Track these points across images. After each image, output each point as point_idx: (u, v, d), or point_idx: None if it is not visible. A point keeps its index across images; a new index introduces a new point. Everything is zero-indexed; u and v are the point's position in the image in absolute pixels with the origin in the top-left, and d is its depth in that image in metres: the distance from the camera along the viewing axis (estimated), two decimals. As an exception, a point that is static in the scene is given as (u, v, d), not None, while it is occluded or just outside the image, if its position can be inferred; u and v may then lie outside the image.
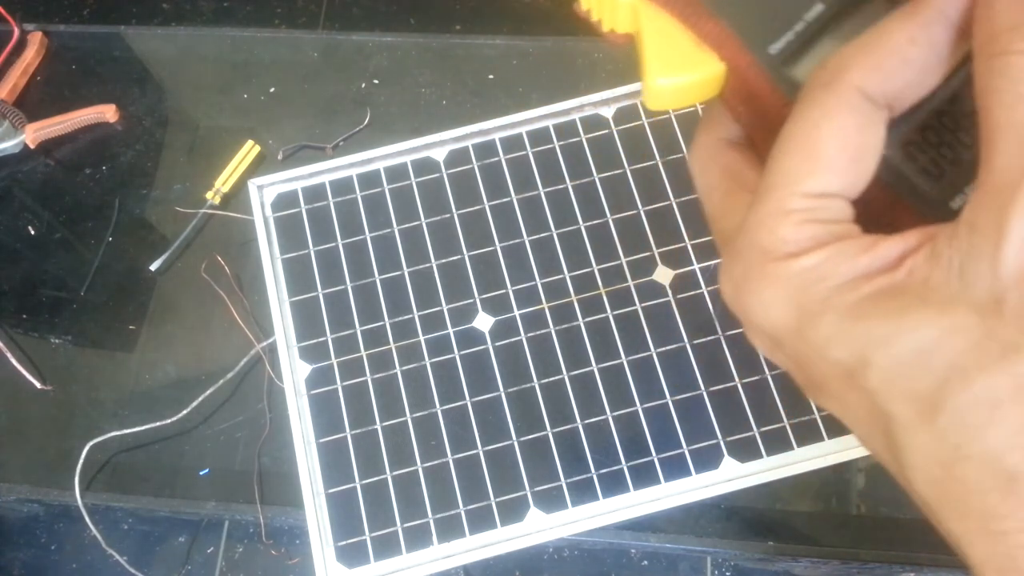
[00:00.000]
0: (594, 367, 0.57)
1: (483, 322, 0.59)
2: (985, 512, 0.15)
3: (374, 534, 0.54)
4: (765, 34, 0.20)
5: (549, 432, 0.56)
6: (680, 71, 0.20)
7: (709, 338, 0.57)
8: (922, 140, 0.18)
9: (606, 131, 0.63)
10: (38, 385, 0.62)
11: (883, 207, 0.18)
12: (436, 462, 0.56)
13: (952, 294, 0.15)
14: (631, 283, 0.59)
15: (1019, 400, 0.14)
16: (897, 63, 0.17)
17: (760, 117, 0.20)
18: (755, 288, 0.17)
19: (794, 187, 0.17)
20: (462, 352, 0.58)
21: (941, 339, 0.15)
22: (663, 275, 0.59)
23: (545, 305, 0.59)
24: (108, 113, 0.69)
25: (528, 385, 0.57)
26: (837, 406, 0.18)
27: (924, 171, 0.18)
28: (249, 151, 0.66)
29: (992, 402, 0.14)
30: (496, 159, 0.63)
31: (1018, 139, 0.15)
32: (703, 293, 0.58)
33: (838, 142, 0.17)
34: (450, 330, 0.59)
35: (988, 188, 0.15)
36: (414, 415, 0.57)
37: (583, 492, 0.54)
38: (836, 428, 0.54)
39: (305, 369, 0.59)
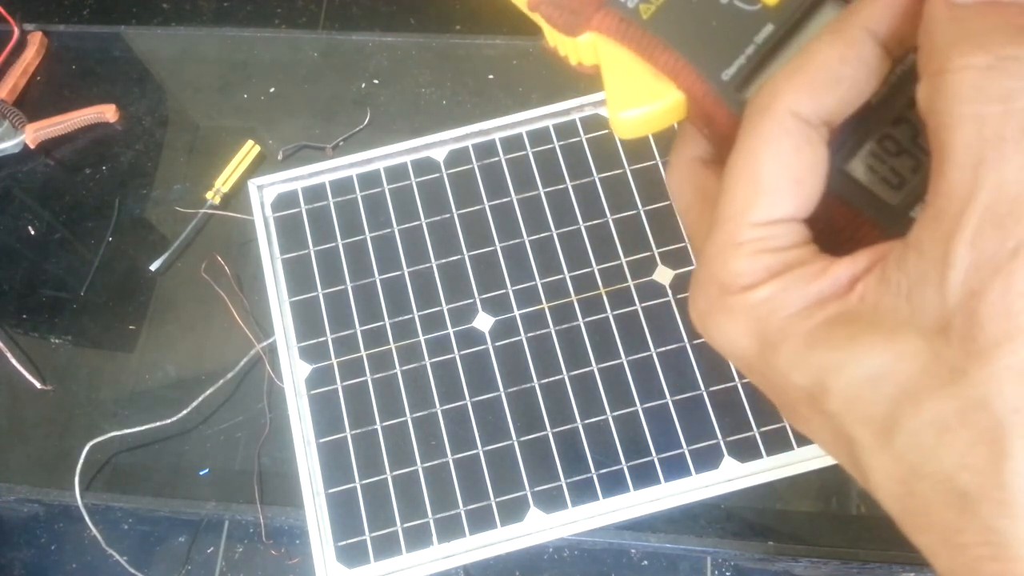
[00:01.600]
0: (594, 367, 0.57)
1: (483, 322, 0.59)
2: (945, 527, 0.15)
3: (374, 534, 0.54)
4: (718, 60, 0.20)
5: (549, 432, 0.56)
6: (640, 103, 0.21)
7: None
8: (881, 150, 0.18)
9: (606, 131, 0.63)
10: (38, 385, 0.62)
11: (844, 222, 0.18)
12: (436, 462, 0.56)
13: (901, 319, 0.15)
14: (631, 283, 0.59)
15: (966, 422, 0.14)
16: (828, 82, 0.17)
17: (721, 140, 0.20)
18: (717, 321, 0.18)
19: (741, 217, 0.17)
20: (462, 352, 0.58)
21: (892, 364, 0.15)
22: (663, 275, 0.59)
23: (545, 305, 0.59)
24: (108, 113, 0.69)
25: (528, 385, 0.57)
26: (806, 427, 0.18)
27: (884, 181, 0.18)
28: (249, 151, 0.66)
29: (941, 425, 0.15)
30: (496, 159, 0.63)
31: (963, 161, 0.15)
32: (703, 293, 0.58)
33: (777, 167, 0.17)
34: (450, 330, 0.59)
35: (935, 211, 0.15)
36: (414, 415, 0.57)
37: (583, 492, 0.54)
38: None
39: (305, 369, 0.59)
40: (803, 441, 0.54)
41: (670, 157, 0.22)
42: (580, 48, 0.22)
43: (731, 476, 0.54)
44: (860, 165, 0.18)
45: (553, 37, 0.23)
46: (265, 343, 0.60)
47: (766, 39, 0.20)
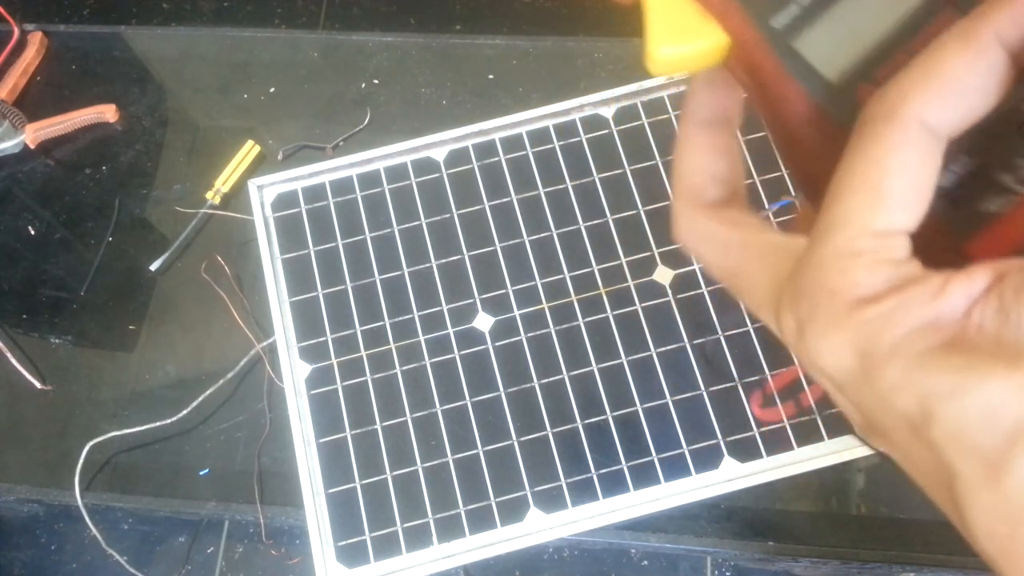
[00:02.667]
0: (594, 367, 0.57)
1: (483, 322, 0.59)
2: None
3: (374, 534, 0.54)
4: (769, 6, 0.19)
5: (549, 432, 0.56)
6: (683, 40, 0.20)
7: (709, 338, 0.57)
8: (986, 165, 0.18)
9: (606, 131, 0.63)
10: (38, 385, 0.62)
11: (934, 235, 0.18)
12: (436, 462, 0.56)
13: (1021, 351, 0.15)
14: (631, 283, 0.59)
15: None
16: (957, 92, 0.16)
17: (761, 88, 0.20)
18: (822, 331, 0.17)
19: (862, 225, 0.16)
20: (462, 352, 0.58)
21: (1009, 398, 0.15)
22: (663, 275, 0.59)
23: (545, 305, 0.59)
24: (108, 113, 0.69)
25: (528, 385, 0.57)
26: (899, 454, 0.17)
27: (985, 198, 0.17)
28: (249, 151, 0.66)
29: None
30: (496, 159, 0.63)
31: None
32: (703, 293, 0.58)
33: (904, 178, 0.16)
34: (450, 330, 0.59)
35: None
36: (414, 415, 0.57)
37: (583, 492, 0.54)
38: (836, 428, 0.54)
39: (305, 369, 0.59)
40: (803, 441, 0.54)
41: (675, 208, 0.22)
42: None
43: (731, 476, 0.54)
44: (966, 180, 0.18)
45: None
46: (265, 343, 0.60)
47: None
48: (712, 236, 0.21)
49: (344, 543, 0.54)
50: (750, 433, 0.55)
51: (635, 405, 0.56)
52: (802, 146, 0.19)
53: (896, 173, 0.16)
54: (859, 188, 0.17)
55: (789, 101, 0.19)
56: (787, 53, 0.19)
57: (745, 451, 0.54)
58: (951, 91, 0.16)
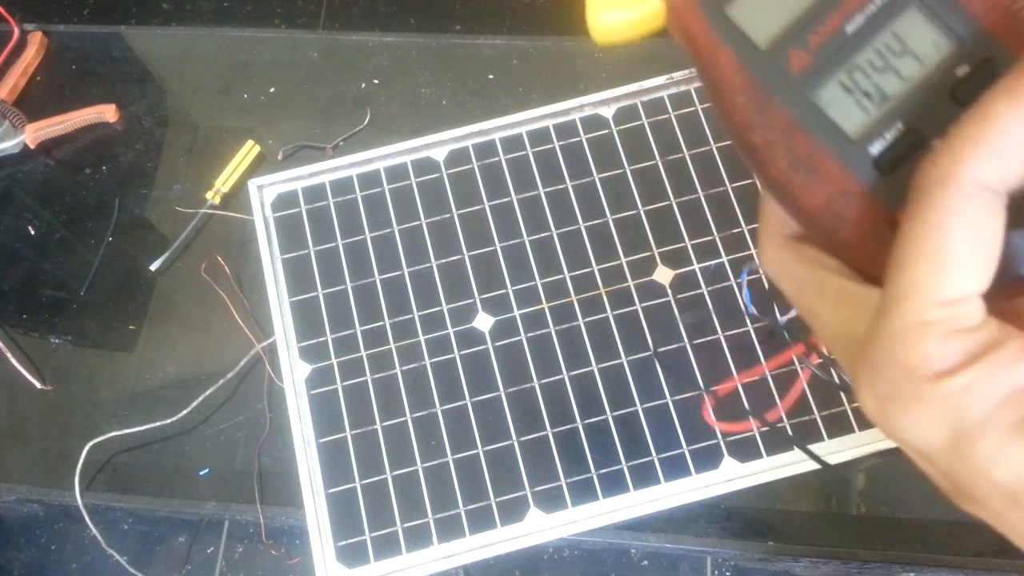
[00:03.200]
0: (594, 367, 0.57)
1: (483, 322, 0.59)
2: None
3: (374, 534, 0.54)
4: None
5: (549, 432, 0.56)
6: (622, 6, 0.20)
7: (709, 338, 0.57)
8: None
9: (606, 131, 0.63)
10: (38, 385, 0.62)
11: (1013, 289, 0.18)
12: (436, 462, 0.56)
13: None
14: (631, 283, 0.59)
15: None
16: (1013, 148, 0.16)
17: (697, 55, 0.20)
18: (904, 409, 0.17)
19: (929, 296, 0.16)
20: (462, 352, 0.58)
21: None
22: (663, 275, 0.59)
23: (545, 305, 0.59)
24: (108, 113, 0.69)
25: (528, 385, 0.57)
26: (996, 521, 0.17)
27: None
28: (249, 151, 0.66)
29: None
30: (496, 159, 0.63)
31: None
32: (703, 293, 0.58)
33: (968, 243, 0.16)
34: (450, 330, 0.59)
35: None
36: (414, 415, 0.57)
37: (583, 492, 0.54)
38: (836, 428, 0.54)
39: (305, 369, 0.59)
40: (803, 441, 0.54)
41: (761, 240, 0.22)
42: None
43: (731, 476, 0.54)
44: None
45: None
46: (265, 343, 0.60)
47: None
48: (790, 271, 0.21)
49: (344, 543, 0.54)
50: (750, 433, 0.55)
51: (635, 405, 0.56)
52: (736, 115, 0.19)
53: (958, 238, 0.16)
54: (922, 257, 0.16)
55: (721, 68, 0.19)
56: (720, 19, 0.19)
57: (745, 451, 0.54)
58: (1006, 148, 0.16)
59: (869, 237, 0.18)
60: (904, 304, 0.16)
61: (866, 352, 0.17)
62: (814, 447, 0.54)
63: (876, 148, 0.18)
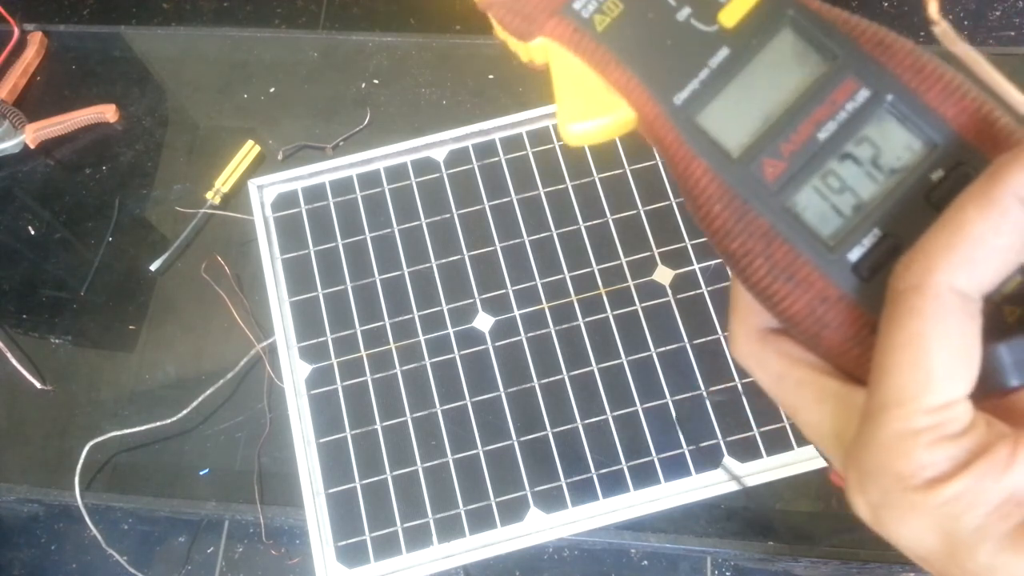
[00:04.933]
0: (594, 367, 0.57)
1: (483, 322, 0.59)
2: None
3: (374, 534, 0.54)
4: (671, 82, 0.19)
5: (549, 432, 0.56)
6: (591, 115, 0.20)
7: (709, 338, 0.57)
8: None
9: (606, 131, 0.63)
10: (38, 385, 0.62)
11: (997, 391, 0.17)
12: (436, 462, 0.56)
13: None
14: (631, 283, 0.59)
15: None
16: (985, 254, 0.16)
17: (670, 162, 0.20)
18: (898, 517, 0.17)
19: (913, 404, 0.16)
20: (462, 352, 0.58)
21: None
22: (663, 275, 0.59)
23: (545, 305, 0.59)
24: (108, 113, 0.69)
25: (528, 385, 0.57)
26: None
27: None
28: (249, 151, 0.66)
29: None
30: (496, 159, 0.63)
31: None
32: (703, 293, 0.58)
33: (948, 349, 0.16)
34: (450, 330, 0.59)
35: None
36: (414, 415, 0.57)
37: (583, 492, 0.54)
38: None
39: (305, 369, 0.59)
40: (803, 441, 0.54)
41: (732, 331, 0.21)
42: (532, 50, 0.22)
43: (731, 476, 0.54)
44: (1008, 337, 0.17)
45: (503, 34, 0.23)
46: (265, 343, 0.60)
47: (721, 64, 0.19)
48: (767, 366, 0.20)
49: (344, 543, 0.54)
50: (750, 433, 0.55)
51: (635, 405, 0.56)
52: (714, 223, 0.19)
53: (938, 345, 0.16)
54: (903, 365, 0.16)
55: (695, 177, 0.19)
56: (690, 129, 0.19)
57: (745, 451, 0.54)
58: (978, 255, 0.16)
59: (852, 343, 0.18)
60: (890, 412, 0.16)
61: (855, 459, 0.17)
62: (814, 447, 0.54)
63: (855, 255, 0.18)
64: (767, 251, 0.18)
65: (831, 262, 0.18)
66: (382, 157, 0.63)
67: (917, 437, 0.16)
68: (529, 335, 0.58)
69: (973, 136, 0.18)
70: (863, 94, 0.18)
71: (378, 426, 0.57)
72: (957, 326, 0.16)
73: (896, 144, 0.18)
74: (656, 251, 0.60)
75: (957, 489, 0.16)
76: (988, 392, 0.17)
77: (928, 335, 0.16)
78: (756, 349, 0.20)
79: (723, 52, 0.19)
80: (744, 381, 0.56)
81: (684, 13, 0.20)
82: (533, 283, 0.60)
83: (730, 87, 0.19)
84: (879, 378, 0.17)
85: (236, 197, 0.66)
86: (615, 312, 0.58)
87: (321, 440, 0.57)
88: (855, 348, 0.18)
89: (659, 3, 0.20)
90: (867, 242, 0.18)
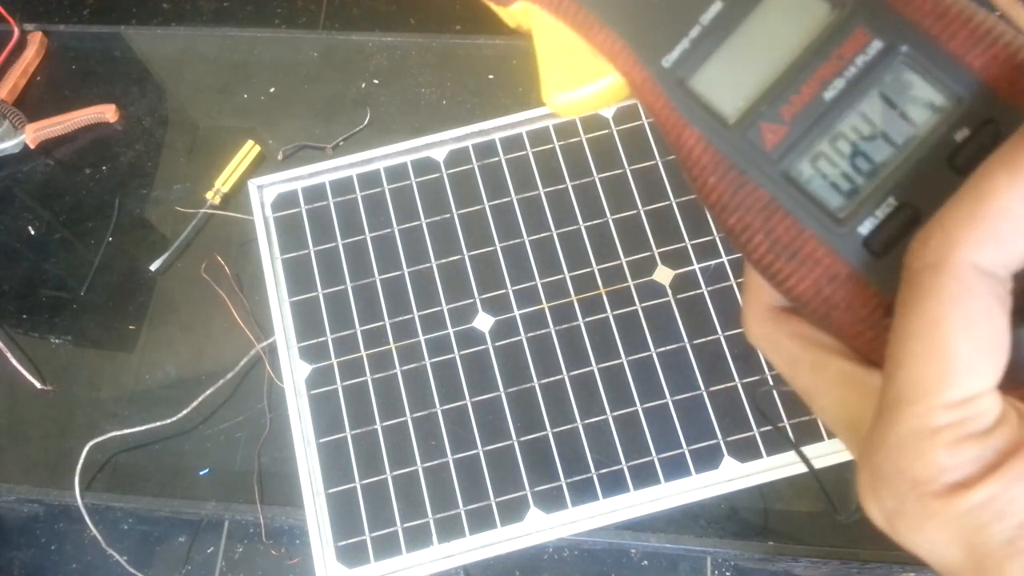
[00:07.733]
0: (594, 367, 0.57)
1: (483, 322, 0.59)
2: None
3: (374, 534, 0.54)
4: (659, 44, 0.18)
5: (549, 432, 0.56)
6: (576, 84, 0.19)
7: (709, 338, 0.57)
8: None
9: (606, 131, 0.63)
10: (38, 385, 0.62)
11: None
12: (436, 462, 0.56)
13: None
14: (631, 283, 0.59)
15: None
16: (1015, 226, 0.14)
17: (663, 133, 0.18)
18: (916, 526, 0.15)
19: (932, 399, 0.14)
20: (462, 352, 0.58)
21: None
22: (663, 275, 0.59)
23: (545, 305, 0.59)
24: (108, 113, 0.69)
25: (528, 385, 0.57)
26: None
27: None
28: (249, 151, 0.66)
29: None
30: (496, 159, 0.63)
31: None
32: (703, 293, 0.58)
33: (972, 336, 0.14)
34: (450, 330, 0.59)
35: None
36: (414, 415, 0.57)
37: (583, 492, 0.54)
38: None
39: (305, 369, 0.59)
40: (803, 441, 0.54)
41: (745, 312, 0.20)
42: (515, 15, 0.20)
43: (731, 476, 0.54)
44: None
45: None
46: (265, 343, 0.60)
47: (713, 20, 0.17)
48: (781, 348, 0.19)
49: (344, 543, 0.54)
50: (750, 433, 0.55)
51: (635, 405, 0.56)
52: (710, 196, 0.17)
53: (960, 331, 0.14)
54: (921, 354, 0.14)
55: (688, 147, 0.18)
56: (682, 94, 0.17)
57: (745, 451, 0.54)
58: (1007, 228, 0.14)
59: (865, 325, 0.16)
60: (907, 408, 0.15)
61: (868, 459, 0.16)
62: (814, 447, 0.54)
63: (866, 228, 0.16)
64: (767, 226, 0.17)
65: (839, 236, 0.16)
66: (382, 157, 0.63)
67: (936, 436, 0.14)
68: (529, 335, 0.58)
69: (1005, 89, 0.15)
70: (875, 46, 0.16)
71: (378, 426, 0.57)
72: (982, 310, 0.14)
73: (914, 100, 0.16)
74: (656, 251, 0.60)
75: (983, 496, 0.14)
76: (1018, 383, 0.15)
77: (948, 320, 0.14)
78: (768, 330, 0.19)
79: (716, 6, 0.17)
80: (744, 381, 0.56)
81: None
82: (533, 283, 0.60)
83: (724, 46, 0.17)
84: (893, 369, 0.15)
85: (236, 197, 0.66)
86: (615, 312, 0.58)
87: (321, 440, 0.57)
88: (868, 331, 0.16)
89: None
90: (880, 213, 0.16)
